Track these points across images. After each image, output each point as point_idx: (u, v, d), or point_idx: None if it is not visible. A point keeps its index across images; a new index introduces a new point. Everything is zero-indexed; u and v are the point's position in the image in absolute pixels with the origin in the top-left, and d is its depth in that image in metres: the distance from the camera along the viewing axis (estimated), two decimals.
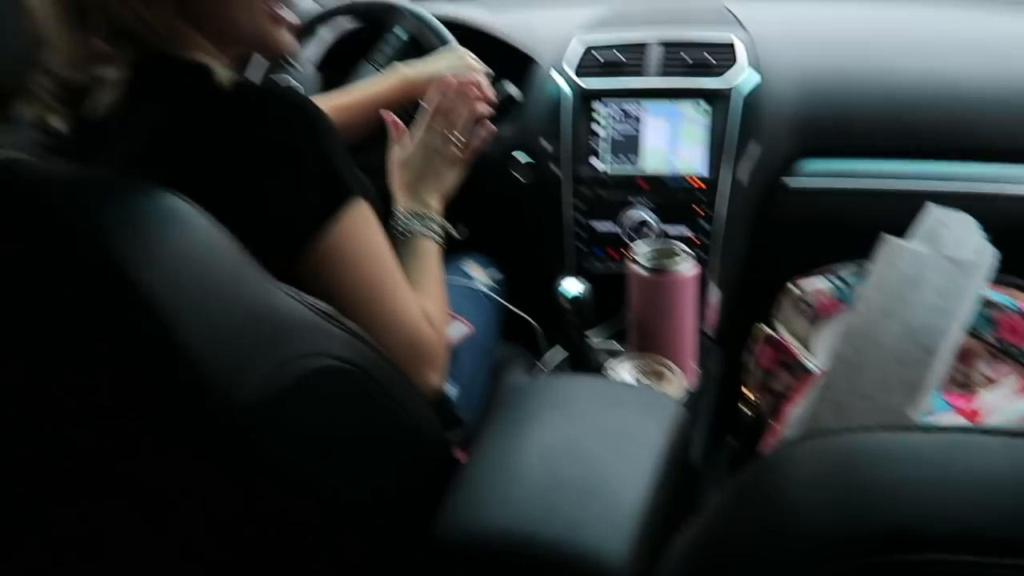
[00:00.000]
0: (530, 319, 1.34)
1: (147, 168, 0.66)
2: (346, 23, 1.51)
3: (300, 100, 0.74)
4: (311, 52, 1.48)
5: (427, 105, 1.02)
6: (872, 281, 0.74)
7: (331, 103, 1.18)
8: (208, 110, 0.71)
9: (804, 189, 1.35)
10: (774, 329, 1.08)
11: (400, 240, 0.93)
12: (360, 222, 0.75)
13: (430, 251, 0.94)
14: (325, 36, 1.51)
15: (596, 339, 1.25)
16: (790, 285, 1.08)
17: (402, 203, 0.98)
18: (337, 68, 1.46)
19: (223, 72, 0.74)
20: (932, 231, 0.71)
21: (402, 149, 1.02)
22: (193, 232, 0.56)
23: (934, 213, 0.72)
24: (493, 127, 1.07)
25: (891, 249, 0.72)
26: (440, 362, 0.85)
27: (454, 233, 1.03)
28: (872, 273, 0.74)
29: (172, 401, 0.53)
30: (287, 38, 0.82)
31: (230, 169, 0.69)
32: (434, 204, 0.99)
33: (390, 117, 1.07)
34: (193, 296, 0.53)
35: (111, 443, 0.56)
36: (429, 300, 0.87)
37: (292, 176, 0.71)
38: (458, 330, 1.23)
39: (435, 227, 0.96)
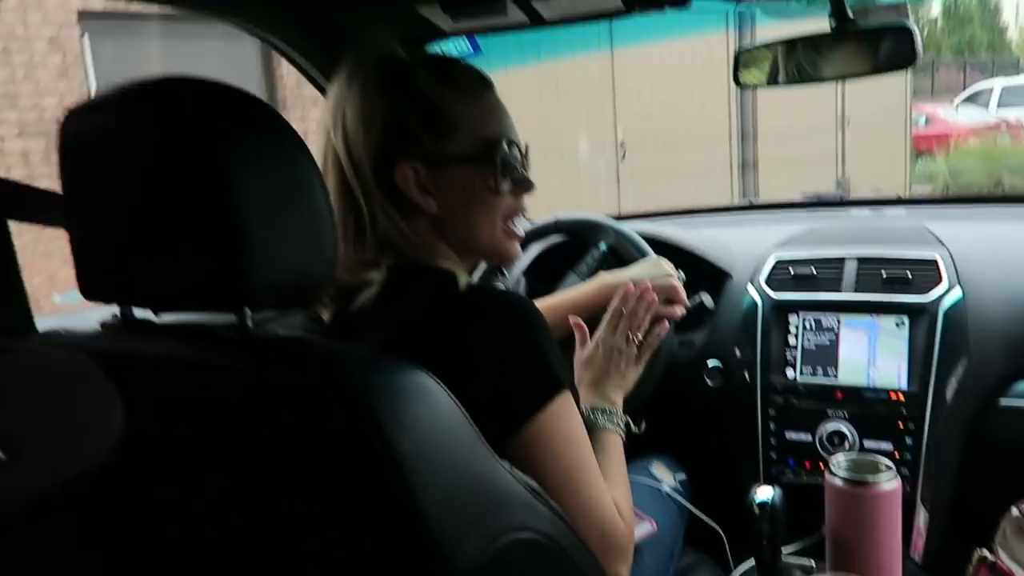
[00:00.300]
0: (716, 525, 1.31)
1: (394, 352, 0.74)
2: (554, 237, 1.68)
3: (523, 301, 0.85)
4: (521, 261, 1.65)
5: (610, 309, 1.11)
6: None
7: (541, 304, 1.30)
8: (452, 308, 0.82)
9: (1019, 409, 1.27)
10: (995, 556, 0.99)
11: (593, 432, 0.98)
12: (567, 411, 0.81)
13: (615, 444, 0.99)
14: (533, 248, 1.69)
15: (789, 553, 1.19)
16: (1014, 508, 1.00)
17: (586, 399, 1.04)
18: (542, 277, 1.61)
19: (463, 276, 0.88)
20: None
21: (585, 349, 1.10)
22: (439, 406, 0.63)
23: None
24: (667, 325, 1.14)
25: None
26: (627, 554, 0.87)
27: (634, 428, 1.08)
28: None
29: (404, 560, 0.57)
30: (517, 249, 0.96)
31: (464, 358, 0.78)
32: (617, 400, 1.05)
33: (574, 320, 1.16)
34: (436, 464, 0.59)
35: None
36: (618, 492, 0.91)
37: (515, 366, 0.79)
38: (642, 529, 1.23)
39: (618, 421, 1.02)
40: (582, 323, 1.16)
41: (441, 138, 0.86)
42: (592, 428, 0.98)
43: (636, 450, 1.47)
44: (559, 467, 0.79)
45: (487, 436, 0.68)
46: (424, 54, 0.91)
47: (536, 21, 1.25)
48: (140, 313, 0.74)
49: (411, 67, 0.87)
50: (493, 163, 0.88)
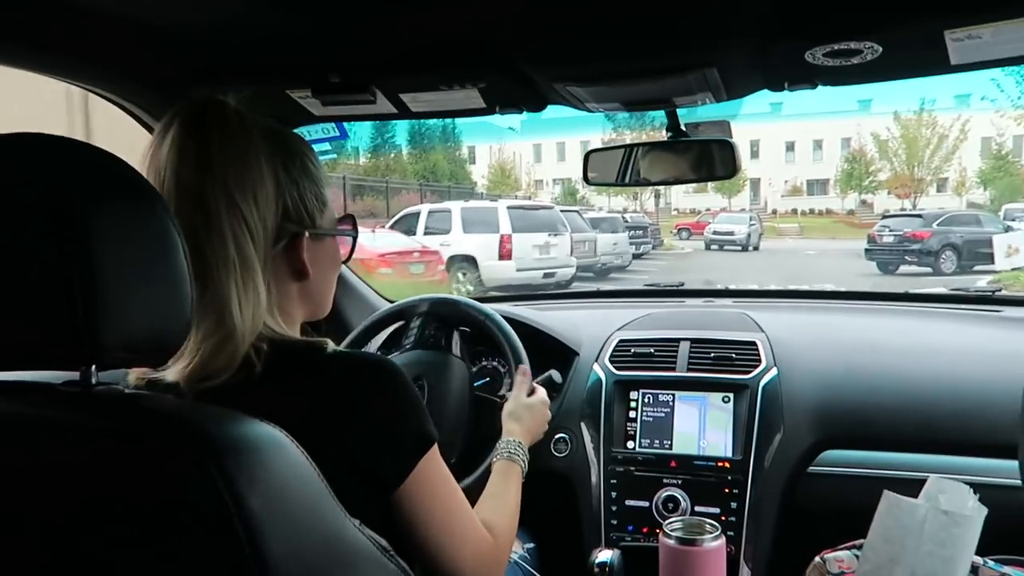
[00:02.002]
0: None
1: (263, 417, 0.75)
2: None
3: (391, 363, 0.91)
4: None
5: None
6: (875, 531, 0.81)
7: None
8: (326, 374, 0.86)
9: (826, 475, 1.43)
10: None
11: (499, 460, 1.19)
12: (437, 458, 0.89)
13: (516, 472, 1.18)
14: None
15: None
16: (817, 557, 1.13)
17: (508, 435, 1.23)
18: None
19: (330, 344, 0.91)
20: (931, 495, 0.80)
21: (514, 402, 1.32)
22: (291, 462, 0.64)
23: (935, 482, 0.81)
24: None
25: (890, 501, 0.81)
26: (500, 565, 1.01)
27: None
28: (875, 524, 0.82)
29: None
30: None
31: (342, 420, 0.83)
32: (526, 442, 1.25)
33: (523, 369, 1.40)
34: (287, 521, 0.61)
35: None
36: (501, 515, 1.06)
37: (395, 424, 0.85)
38: None
39: (524, 458, 1.21)
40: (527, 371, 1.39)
41: (321, 212, 0.92)
42: (507, 462, 1.18)
43: None
44: (440, 506, 0.90)
45: (372, 491, 0.76)
46: (283, 126, 0.95)
47: (404, 113, 1.35)
48: None
49: (294, 139, 0.92)
50: (349, 234, 0.98)
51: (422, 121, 23.65)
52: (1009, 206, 20.76)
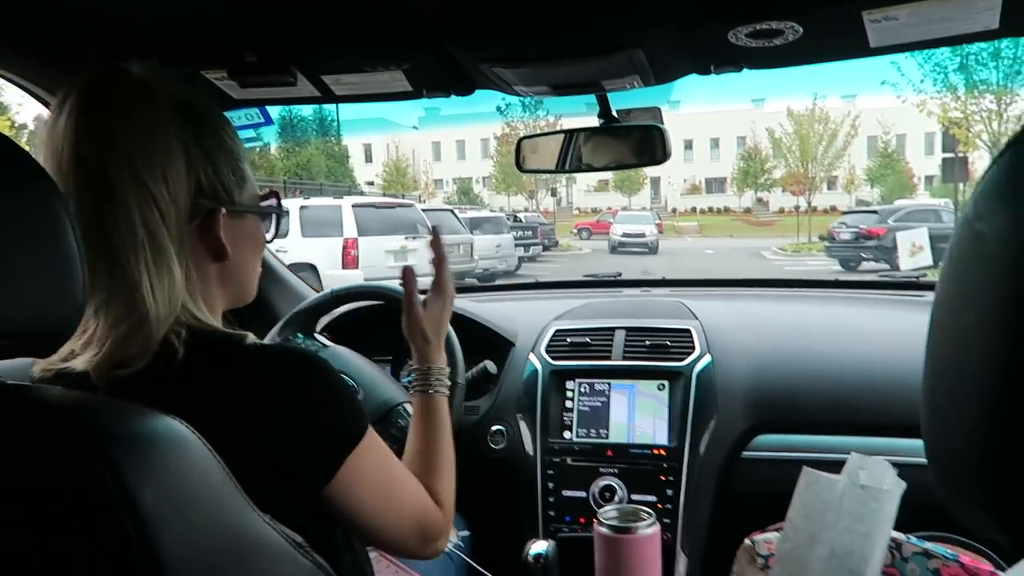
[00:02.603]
0: None
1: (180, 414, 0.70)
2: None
3: (316, 356, 0.86)
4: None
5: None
6: (795, 508, 0.81)
7: None
8: (248, 368, 0.81)
9: (759, 460, 1.44)
10: None
11: (416, 393, 1.07)
12: (373, 444, 0.86)
13: (443, 408, 1.07)
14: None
15: None
16: (747, 539, 1.13)
17: (419, 358, 1.09)
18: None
19: (250, 336, 0.86)
20: (852, 471, 0.80)
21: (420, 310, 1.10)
22: (190, 455, 0.62)
23: (855, 459, 0.81)
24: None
25: (809, 478, 0.80)
26: (444, 531, 0.97)
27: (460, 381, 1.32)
28: (794, 501, 0.82)
29: None
30: None
31: (266, 414, 0.78)
32: (440, 362, 1.09)
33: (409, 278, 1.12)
34: (183, 515, 0.58)
35: None
36: (440, 473, 1.01)
37: (324, 416, 0.82)
38: None
39: (445, 381, 1.08)
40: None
41: (239, 188, 0.87)
42: (427, 393, 1.06)
43: None
44: (377, 491, 0.86)
45: (298, 488, 0.73)
46: (201, 96, 0.88)
47: (327, 96, 1.30)
48: None
49: (210, 112, 0.86)
50: (273, 213, 0.93)
51: (296, 113, 22.64)
52: (900, 202, 21.70)
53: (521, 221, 20.03)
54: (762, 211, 36.53)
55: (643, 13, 1.02)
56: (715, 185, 40.32)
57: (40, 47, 1.16)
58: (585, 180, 39.87)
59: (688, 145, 39.91)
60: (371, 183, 32.18)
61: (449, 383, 1.08)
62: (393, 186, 32.48)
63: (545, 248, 20.37)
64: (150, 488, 0.56)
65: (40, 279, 0.60)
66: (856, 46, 1.06)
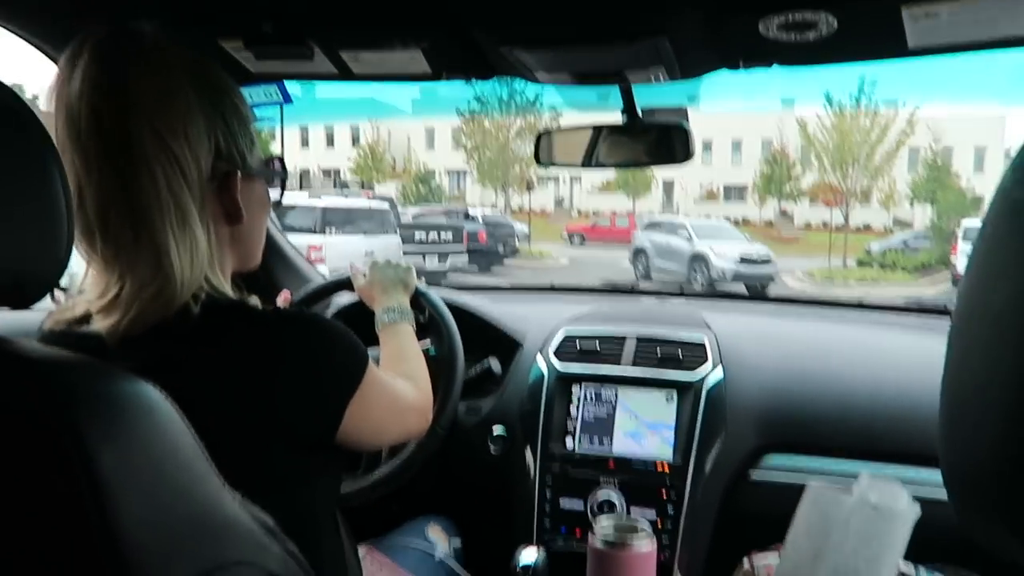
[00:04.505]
0: None
1: (185, 374, 0.72)
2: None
3: (318, 316, 0.90)
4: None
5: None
6: (798, 525, 0.75)
7: None
8: (249, 334, 0.81)
9: (766, 482, 1.37)
10: None
11: (383, 328, 1.25)
12: (374, 376, 0.91)
13: (407, 330, 1.26)
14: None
15: None
16: (745, 560, 1.07)
17: (380, 307, 1.28)
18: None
19: (257, 301, 0.87)
20: (862, 490, 0.74)
21: (363, 282, 1.39)
22: (159, 422, 0.59)
23: (866, 479, 0.75)
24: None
25: (815, 493, 0.75)
26: (429, 410, 1.13)
27: (422, 319, 1.40)
28: (798, 517, 0.76)
29: None
30: None
31: (276, 370, 0.79)
32: (403, 301, 1.31)
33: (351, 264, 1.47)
34: (144, 484, 0.55)
35: None
36: (415, 369, 1.15)
37: (327, 367, 0.85)
38: None
39: (407, 314, 1.28)
40: (357, 267, 1.46)
41: (251, 151, 0.88)
42: (390, 324, 1.25)
43: (416, 509, 1.45)
44: (382, 411, 0.96)
45: (316, 434, 0.79)
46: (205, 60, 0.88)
47: (344, 74, 1.27)
48: None
49: (221, 74, 0.87)
50: (279, 178, 0.95)
51: None
52: (967, 221, 17.26)
53: (473, 219, 16.60)
54: (786, 225, 31.68)
55: None
56: (734, 193, 34.88)
57: (50, 4, 1.14)
58: (590, 179, 35.63)
59: (707, 147, 34.19)
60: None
61: (401, 315, 1.26)
62: (365, 172, 30.88)
63: (500, 257, 16.23)
64: (111, 451, 0.53)
65: (22, 229, 0.58)
66: (893, 46, 1.01)
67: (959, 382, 0.39)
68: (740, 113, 32.82)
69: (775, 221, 32.01)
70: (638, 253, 17.04)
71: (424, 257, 10.07)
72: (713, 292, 2.15)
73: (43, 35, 1.20)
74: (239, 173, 0.85)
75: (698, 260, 14.98)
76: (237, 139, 0.85)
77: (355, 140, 33.63)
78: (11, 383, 0.55)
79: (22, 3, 1.14)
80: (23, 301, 0.64)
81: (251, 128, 0.89)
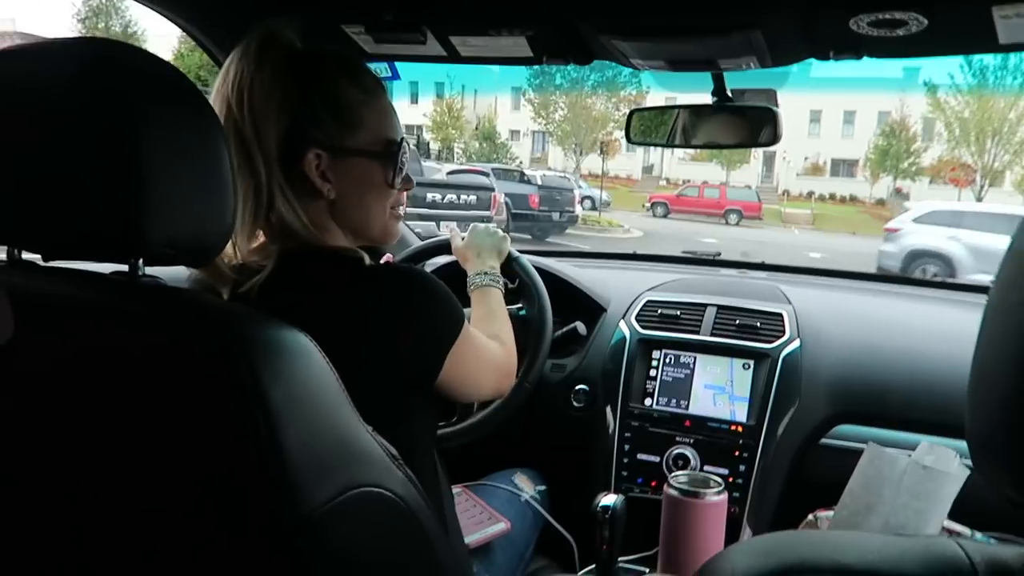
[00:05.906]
0: (567, 534, 1.43)
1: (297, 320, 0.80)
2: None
3: (418, 270, 1.02)
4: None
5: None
6: (855, 480, 0.84)
7: None
8: (364, 282, 0.94)
9: (837, 448, 1.45)
10: None
11: (474, 290, 1.33)
12: (467, 334, 1.01)
13: (496, 294, 1.33)
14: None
15: (627, 561, 1.32)
16: (811, 515, 1.16)
17: (473, 269, 1.37)
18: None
19: (366, 256, 0.98)
20: (918, 455, 0.82)
21: (461, 243, 1.47)
22: (313, 365, 0.69)
23: (924, 446, 0.83)
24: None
25: (873, 453, 0.83)
26: (512, 375, 1.22)
27: (510, 285, 1.49)
28: (856, 473, 0.85)
29: (259, 493, 0.62)
30: (399, 229, 1.14)
31: (383, 322, 0.91)
32: (495, 265, 1.40)
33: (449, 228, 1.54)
34: (304, 414, 0.65)
35: (182, 519, 0.65)
36: (502, 331, 1.23)
37: (429, 321, 0.96)
38: (497, 527, 1.33)
39: (497, 279, 1.36)
40: (456, 230, 1.54)
41: (346, 132, 0.97)
42: (481, 287, 1.33)
43: (504, 461, 1.59)
44: (474, 365, 1.05)
45: (419, 379, 0.92)
46: (330, 51, 1.00)
47: (452, 56, 1.38)
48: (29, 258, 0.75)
49: (323, 63, 0.97)
50: (392, 160, 1.01)
51: None
52: None
53: (528, 180, 15.03)
54: (899, 205, 24.93)
55: None
56: (843, 168, 31.59)
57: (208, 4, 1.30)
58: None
59: (815, 117, 31.39)
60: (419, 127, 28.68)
61: (492, 280, 1.34)
62: (442, 130, 30.10)
63: (556, 225, 14.65)
64: (278, 388, 0.63)
65: (201, 201, 0.69)
66: (984, 42, 1.05)
67: (983, 358, 0.48)
68: (854, 81, 27.22)
69: (888, 200, 28.19)
70: (919, 257, 10.12)
71: (438, 224, 8.12)
72: (793, 267, 2.16)
73: (211, 36, 1.38)
74: (319, 152, 0.95)
75: None
76: (321, 122, 0.95)
77: (439, 95, 32.80)
78: (197, 329, 0.66)
79: (191, 8, 1.31)
80: (201, 261, 0.77)
81: (353, 112, 0.97)
